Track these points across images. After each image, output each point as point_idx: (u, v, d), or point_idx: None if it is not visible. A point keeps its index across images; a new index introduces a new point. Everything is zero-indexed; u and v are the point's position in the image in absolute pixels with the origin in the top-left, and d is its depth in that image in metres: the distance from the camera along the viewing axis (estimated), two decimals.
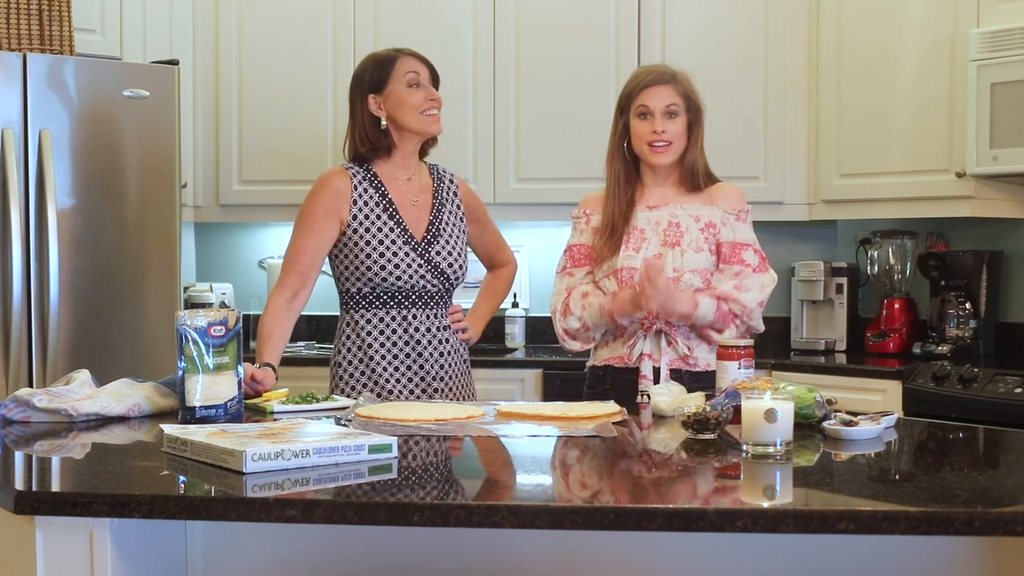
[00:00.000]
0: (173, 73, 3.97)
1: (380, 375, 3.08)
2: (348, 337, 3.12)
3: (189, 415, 2.50)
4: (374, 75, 3.11)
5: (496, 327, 4.64)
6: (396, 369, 3.08)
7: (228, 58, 4.64)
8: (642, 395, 2.88)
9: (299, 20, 4.59)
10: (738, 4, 4.42)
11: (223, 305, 4.62)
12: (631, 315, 2.93)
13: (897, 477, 2.11)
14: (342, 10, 4.57)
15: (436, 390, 3.10)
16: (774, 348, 4.48)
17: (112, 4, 4.21)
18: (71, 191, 3.79)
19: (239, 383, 2.58)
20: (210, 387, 2.52)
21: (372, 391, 3.04)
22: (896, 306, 4.34)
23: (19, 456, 2.19)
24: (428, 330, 3.11)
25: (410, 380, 3.09)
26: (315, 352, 4.49)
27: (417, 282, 3.08)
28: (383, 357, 3.08)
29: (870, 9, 4.19)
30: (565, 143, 4.47)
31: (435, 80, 3.16)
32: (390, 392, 3.06)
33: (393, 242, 3.07)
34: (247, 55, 4.63)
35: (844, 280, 4.44)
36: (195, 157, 4.63)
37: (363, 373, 3.09)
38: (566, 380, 4.13)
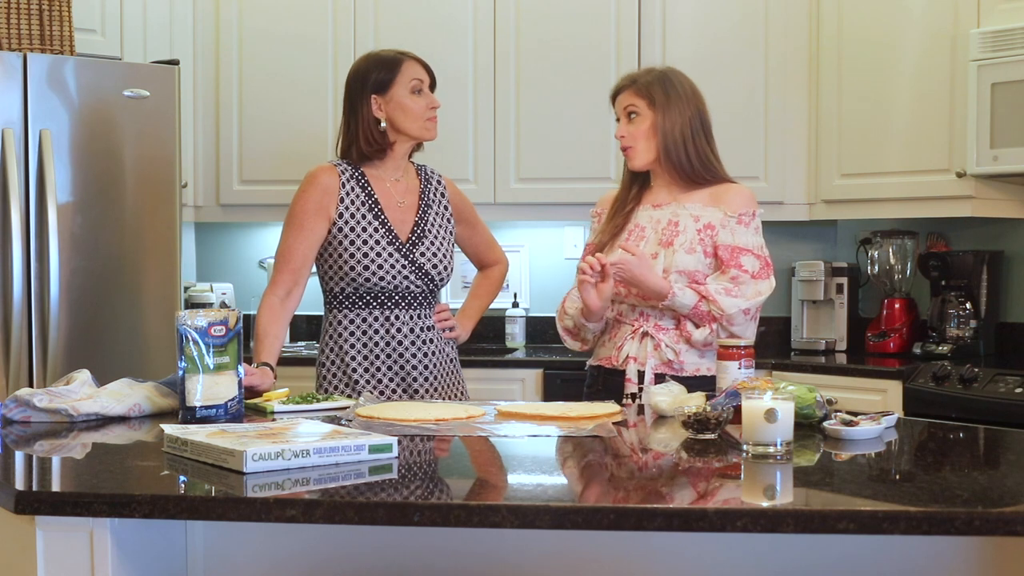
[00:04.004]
0: (173, 73, 3.97)
1: (360, 376, 3.07)
2: (331, 337, 3.12)
3: (189, 415, 2.50)
4: (379, 76, 3.08)
5: (496, 327, 4.64)
6: (378, 369, 3.08)
7: (228, 58, 4.64)
8: (628, 397, 2.88)
9: (300, 19, 4.60)
10: (738, 3, 4.42)
11: (223, 305, 4.62)
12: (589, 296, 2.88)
13: (897, 477, 2.11)
14: (342, 9, 4.57)
15: (419, 391, 3.09)
16: (774, 348, 4.48)
17: (112, 4, 4.21)
18: (71, 191, 3.79)
19: (239, 383, 2.59)
20: (210, 387, 2.52)
21: (350, 393, 3.04)
22: (896, 306, 4.34)
23: (19, 456, 2.20)
24: (411, 330, 3.10)
25: (391, 380, 3.08)
26: (315, 352, 4.47)
27: (400, 283, 3.07)
28: (365, 357, 3.08)
29: (870, 8, 4.19)
30: (565, 143, 4.46)
31: (433, 85, 3.16)
32: (369, 393, 3.05)
33: (377, 242, 3.06)
34: (247, 55, 4.63)
35: (844, 280, 4.43)
36: (195, 157, 4.63)
37: (344, 373, 3.09)
38: (566, 380, 4.12)
